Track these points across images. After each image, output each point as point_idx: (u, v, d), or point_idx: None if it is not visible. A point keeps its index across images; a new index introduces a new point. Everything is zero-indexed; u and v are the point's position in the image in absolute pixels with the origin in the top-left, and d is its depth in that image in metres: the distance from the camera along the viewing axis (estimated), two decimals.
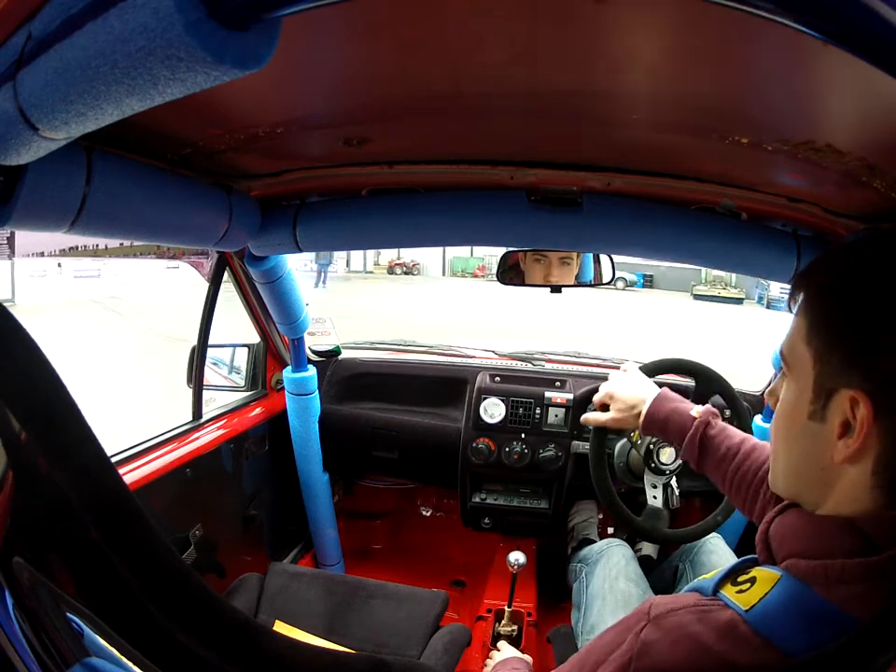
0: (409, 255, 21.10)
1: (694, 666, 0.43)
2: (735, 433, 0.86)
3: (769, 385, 1.51)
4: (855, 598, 0.41)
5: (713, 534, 1.29)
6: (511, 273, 1.37)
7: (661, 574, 1.31)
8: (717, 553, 1.26)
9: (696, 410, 0.89)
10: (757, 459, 0.80)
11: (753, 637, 0.42)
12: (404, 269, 21.43)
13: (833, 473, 0.45)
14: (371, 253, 20.82)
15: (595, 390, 1.55)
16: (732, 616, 0.44)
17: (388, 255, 21.29)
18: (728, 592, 0.46)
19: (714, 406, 1.48)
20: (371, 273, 21.77)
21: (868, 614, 0.40)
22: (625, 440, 1.39)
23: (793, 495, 0.50)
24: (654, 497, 1.24)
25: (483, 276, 20.80)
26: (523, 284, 1.40)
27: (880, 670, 0.37)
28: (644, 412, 0.93)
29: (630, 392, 0.98)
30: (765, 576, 0.45)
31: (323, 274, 16.29)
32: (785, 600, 0.43)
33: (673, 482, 1.27)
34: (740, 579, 0.47)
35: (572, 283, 1.40)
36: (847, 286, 0.44)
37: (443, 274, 21.84)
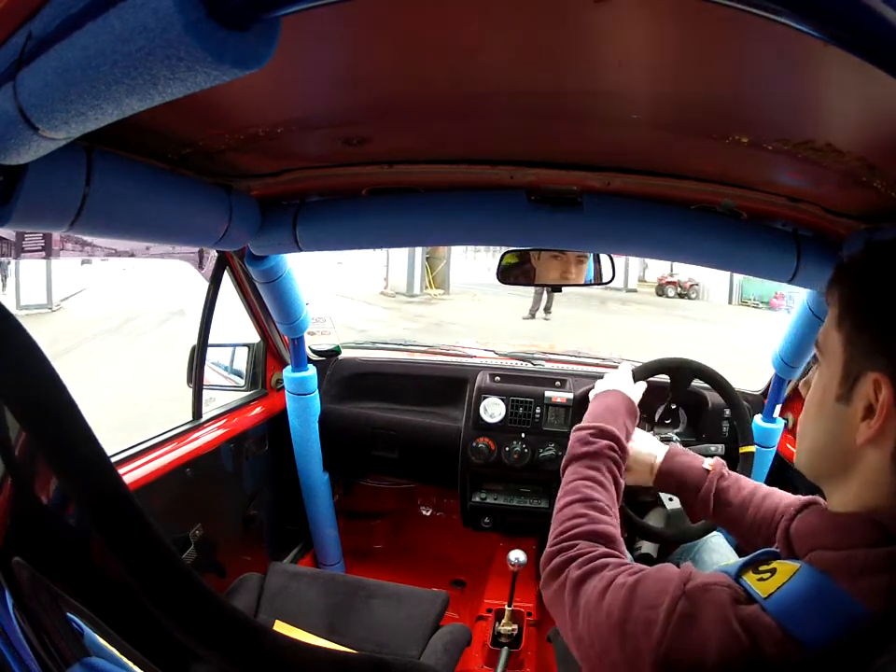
0: (686, 272, 14.94)
1: (724, 651, 0.44)
2: (747, 483, 0.85)
3: (768, 385, 1.51)
4: (876, 590, 0.42)
5: (714, 532, 1.29)
6: (513, 272, 1.36)
7: None
8: (718, 551, 1.26)
9: (707, 463, 0.88)
10: (770, 507, 0.80)
11: (775, 630, 0.43)
12: (678, 289, 15.29)
13: (854, 456, 0.46)
14: (634, 266, 15.82)
15: None
16: (755, 609, 0.45)
17: (658, 269, 15.57)
18: (749, 579, 0.47)
19: (714, 405, 1.50)
20: (634, 291, 15.72)
21: (887, 607, 0.41)
22: None
23: (815, 475, 0.52)
24: (670, 500, 1.24)
25: (781, 307, 13.86)
26: (529, 283, 1.39)
27: None
28: (657, 468, 0.91)
29: (639, 449, 0.93)
30: (785, 568, 0.46)
31: (546, 298, 9.87)
32: (803, 589, 0.44)
33: None
34: (761, 568, 0.48)
35: (574, 283, 1.40)
36: (876, 275, 0.46)
37: (729, 301, 15.39)
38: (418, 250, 12.06)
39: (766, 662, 0.43)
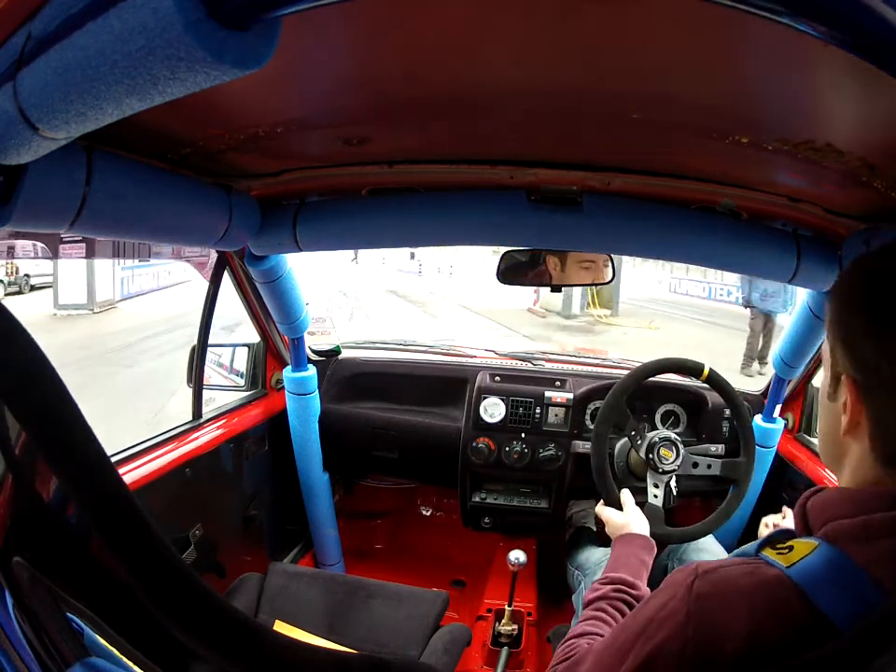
0: None
1: (753, 619, 0.45)
2: None
3: (768, 385, 1.51)
4: (887, 556, 0.43)
5: None
6: (513, 272, 1.36)
7: (651, 575, 1.31)
8: (707, 551, 1.26)
9: None
10: None
11: (799, 595, 0.44)
12: None
13: (843, 445, 0.51)
14: None
15: (596, 389, 1.56)
16: (777, 572, 0.46)
17: None
18: (769, 553, 0.49)
19: (714, 405, 1.50)
20: None
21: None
22: (626, 439, 1.39)
23: (825, 461, 0.57)
24: (655, 497, 1.24)
25: None
26: (529, 283, 1.39)
27: None
28: None
29: None
30: (803, 545, 0.48)
31: (762, 340, 6.34)
32: (823, 563, 0.45)
33: (672, 481, 1.27)
34: (779, 545, 0.50)
35: (574, 283, 1.40)
36: (844, 286, 0.52)
37: None
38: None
39: (796, 628, 0.44)
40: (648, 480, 1.26)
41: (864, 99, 0.53)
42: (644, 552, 0.97)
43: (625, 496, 1.16)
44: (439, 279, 16.34)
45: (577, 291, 10.03)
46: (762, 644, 0.44)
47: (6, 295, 10.93)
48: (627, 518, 1.09)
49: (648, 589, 0.87)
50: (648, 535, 1.03)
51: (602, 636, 0.73)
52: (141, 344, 6.75)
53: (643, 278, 12.47)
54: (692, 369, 1.31)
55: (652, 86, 0.61)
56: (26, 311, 9.05)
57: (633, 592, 0.83)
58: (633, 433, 1.29)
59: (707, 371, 1.30)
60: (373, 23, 0.50)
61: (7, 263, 10.77)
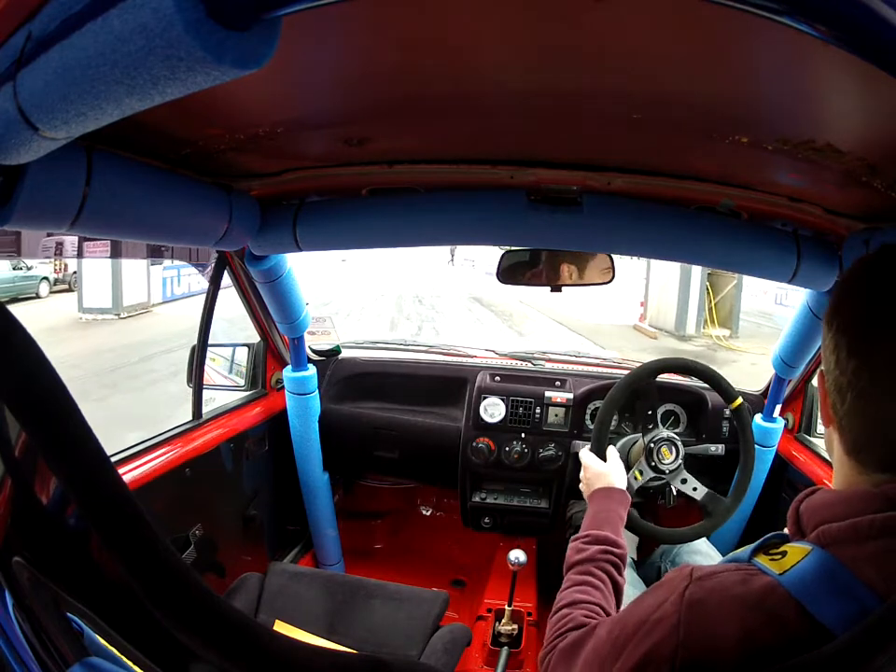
0: None
1: (745, 628, 0.45)
2: None
3: (768, 385, 1.51)
4: (874, 556, 0.43)
5: None
6: (513, 272, 1.35)
7: (644, 575, 1.31)
8: (701, 553, 1.25)
9: None
10: None
11: (792, 604, 0.44)
12: None
13: (830, 435, 0.54)
14: None
15: (596, 389, 1.56)
16: (770, 580, 0.46)
17: None
18: (762, 560, 0.49)
19: (714, 405, 1.50)
20: None
21: (886, 585, 0.42)
22: (626, 438, 1.39)
23: (827, 450, 0.58)
24: (635, 479, 1.24)
25: None
26: (529, 283, 1.39)
27: None
28: None
29: None
30: (796, 550, 0.48)
31: None
32: (815, 569, 0.45)
33: (675, 483, 1.27)
34: (772, 551, 0.50)
35: (575, 283, 1.40)
36: (838, 293, 0.53)
37: None
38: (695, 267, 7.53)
39: (789, 635, 0.44)
40: (635, 466, 1.26)
41: (864, 99, 0.53)
42: (622, 507, 0.97)
43: (611, 451, 1.17)
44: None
45: (693, 305, 8.69)
46: (755, 652, 0.44)
47: (51, 292, 10.84)
48: (608, 468, 1.09)
49: (626, 543, 0.87)
50: (625, 489, 1.04)
51: (596, 604, 0.74)
52: (141, 365, 6.32)
53: (746, 287, 10.70)
54: (726, 391, 1.29)
55: (652, 86, 0.61)
56: (53, 314, 8.87)
57: (617, 551, 0.83)
58: (648, 413, 1.28)
59: (738, 401, 1.29)
60: (374, 23, 0.50)
61: (54, 260, 10.71)
